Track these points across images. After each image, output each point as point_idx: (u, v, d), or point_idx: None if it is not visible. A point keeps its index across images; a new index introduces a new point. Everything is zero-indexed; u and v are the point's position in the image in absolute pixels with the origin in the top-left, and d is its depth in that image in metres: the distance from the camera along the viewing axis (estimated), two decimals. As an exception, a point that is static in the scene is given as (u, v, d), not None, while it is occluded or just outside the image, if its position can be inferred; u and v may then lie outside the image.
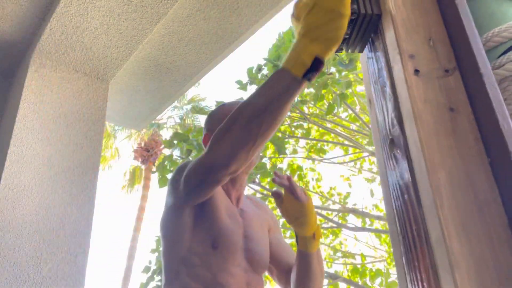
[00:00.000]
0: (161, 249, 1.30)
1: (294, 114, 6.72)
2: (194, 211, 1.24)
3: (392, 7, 0.70)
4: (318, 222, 1.31)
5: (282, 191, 1.29)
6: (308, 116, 6.82)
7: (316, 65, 0.84)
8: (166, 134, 15.36)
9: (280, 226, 7.72)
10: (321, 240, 8.54)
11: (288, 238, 7.93)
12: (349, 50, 0.85)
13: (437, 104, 0.60)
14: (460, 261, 0.49)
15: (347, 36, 0.79)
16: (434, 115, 0.59)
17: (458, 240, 0.51)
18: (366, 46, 0.82)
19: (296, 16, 0.88)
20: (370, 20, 0.75)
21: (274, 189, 1.33)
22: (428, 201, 0.55)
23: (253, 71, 5.90)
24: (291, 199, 1.26)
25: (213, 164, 1.06)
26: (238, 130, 0.99)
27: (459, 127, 0.58)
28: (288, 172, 6.85)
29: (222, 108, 1.43)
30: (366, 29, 0.78)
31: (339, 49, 0.84)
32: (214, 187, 1.14)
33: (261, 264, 1.30)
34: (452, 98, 0.61)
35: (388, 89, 0.68)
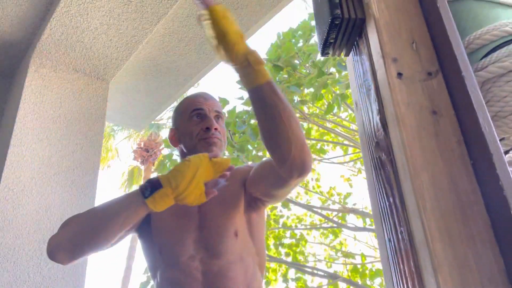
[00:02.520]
0: None
1: (294, 114, 6.71)
2: (142, 237, 1.37)
3: (375, 11, 0.70)
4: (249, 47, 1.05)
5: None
6: (308, 116, 6.82)
7: (154, 182, 1.10)
8: (165, 134, 15.36)
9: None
10: (321, 240, 8.56)
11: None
12: (336, 54, 0.85)
13: (420, 107, 0.60)
14: (443, 264, 0.50)
15: (332, 41, 0.80)
16: (417, 118, 0.60)
17: (441, 243, 0.51)
18: (352, 49, 0.83)
19: None
20: (354, 24, 0.76)
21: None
22: (412, 203, 0.55)
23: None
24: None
25: (47, 250, 1.18)
26: (72, 228, 1.18)
27: (442, 129, 0.59)
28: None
29: (183, 101, 1.46)
30: (350, 33, 0.78)
31: (326, 53, 0.85)
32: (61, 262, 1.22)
33: (221, 249, 1.24)
34: (435, 101, 0.61)
35: (372, 92, 0.68)
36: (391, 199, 0.61)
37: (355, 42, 0.80)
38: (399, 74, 0.63)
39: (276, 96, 1.05)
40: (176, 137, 1.42)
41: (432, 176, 0.55)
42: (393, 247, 0.60)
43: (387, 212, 0.62)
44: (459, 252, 0.51)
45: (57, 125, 2.39)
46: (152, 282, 6.57)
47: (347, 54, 0.84)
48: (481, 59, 0.67)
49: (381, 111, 0.65)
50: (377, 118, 0.66)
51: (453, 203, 0.54)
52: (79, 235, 1.15)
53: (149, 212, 1.16)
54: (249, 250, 1.29)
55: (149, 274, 6.66)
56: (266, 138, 1.09)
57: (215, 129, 1.34)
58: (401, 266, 0.57)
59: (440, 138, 0.58)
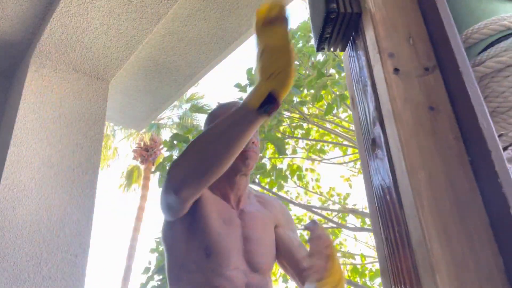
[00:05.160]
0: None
1: (294, 115, 6.73)
2: (185, 221, 1.28)
3: (371, 5, 0.69)
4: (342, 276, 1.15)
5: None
6: (308, 117, 6.82)
7: (272, 99, 0.96)
8: (165, 133, 15.37)
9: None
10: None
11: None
12: (331, 49, 0.84)
13: (417, 103, 0.59)
14: (440, 264, 0.49)
15: (328, 36, 0.79)
16: (414, 114, 0.58)
17: (438, 242, 0.50)
18: (348, 45, 0.81)
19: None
20: (350, 19, 0.74)
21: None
22: (409, 202, 0.54)
23: (253, 72, 5.91)
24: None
25: (167, 190, 1.14)
26: (191, 157, 1.08)
27: (439, 126, 0.57)
28: (288, 173, 6.86)
29: (221, 108, 1.45)
30: (346, 28, 0.77)
31: (321, 49, 0.84)
32: (178, 210, 1.19)
33: (263, 265, 1.29)
34: (432, 97, 0.60)
35: (369, 88, 0.67)
36: (388, 198, 0.60)
37: (351, 37, 0.79)
38: (396, 70, 0.62)
39: None
40: None
41: (429, 173, 0.54)
42: (390, 246, 0.59)
43: (384, 210, 0.61)
44: (457, 251, 0.49)
45: (57, 125, 2.39)
46: (152, 283, 6.55)
47: (343, 50, 0.83)
48: (479, 54, 0.66)
49: (378, 107, 0.64)
50: (373, 115, 0.65)
51: (450, 201, 0.52)
52: (204, 167, 1.06)
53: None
54: (271, 265, 1.35)
55: (149, 274, 6.65)
56: None
57: (253, 142, 1.35)
58: (399, 265, 0.56)
59: (437, 134, 0.57)
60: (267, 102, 0.97)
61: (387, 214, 0.60)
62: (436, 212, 0.52)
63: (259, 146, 1.41)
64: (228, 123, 1.04)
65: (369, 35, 0.68)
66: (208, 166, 1.06)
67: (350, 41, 0.80)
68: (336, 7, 0.73)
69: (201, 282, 1.21)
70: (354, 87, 0.76)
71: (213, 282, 1.20)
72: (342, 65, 4.88)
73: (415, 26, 0.66)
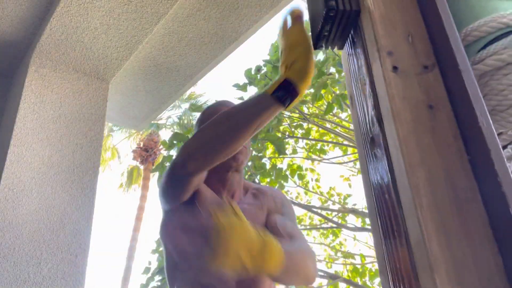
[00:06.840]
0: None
1: (293, 114, 6.73)
2: (183, 213, 1.29)
3: (370, 3, 0.68)
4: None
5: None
6: (308, 116, 6.82)
7: (288, 86, 1.03)
8: (165, 134, 15.37)
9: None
10: (321, 240, 8.55)
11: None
12: (329, 47, 0.84)
13: (416, 101, 0.59)
14: (440, 263, 0.48)
15: (326, 33, 0.79)
16: (413, 112, 0.58)
17: (437, 241, 0.49)
18: (346, 42, 0.81)
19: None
20: (349, 17, 0.74)
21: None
22: (408, 201, 0.53)
23: (252, 72, 5.91)
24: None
25: (175, 162, 1.18)
26: (204, 134, 1.14)
27: (438, 124, 0.57)
28: (288, 173, 6.86)
29: (215, 107, 1.47)
30: (345, 26, 0.76)
31: (319, 46, 0.84)
32: (182, 187, 1.21)
33: None
34: (431, 95, 0.59)
35: (367, 87, 0.67)
36: (386, 196, 0.60)
37: (350, 35, 0.78)
38: (395, 68, 0.61)
39: None
40: None
41: (428, 172, 0.54)
42: (389, 245, 0.59)
43: (383, 209, 0.61)
44: (456, 251, 0.49)
45: (57, 125, 2.39)
46: (152, 283, 6.56)
47: (341, 48, 0.83)
48: (478, 51, 0.66)
49: (376, 106, 0.63)
50: (372, 113, 0.65)
51: (450, 200, 0.52)
52: (212, 145, 1.12)
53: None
54: None
55: (148, 275, 6.65)
56: None
57: None
58: (397, 265, 0.56)
59: (436, 133, 0.56)
60: (282, 89, 1.03)
61: (386, 213, 0.60)
62: (435, 211, 0.51)
63: (249, 142, 1.42)
64: (243, 107, 1.11)
65: (368, 33, 0.67)
66: (217, 144, 1.11)
67: (348, 39, 0.79)
68: (335, 5, 0.73)
69: (192, 281, 1.22)
70: (353, 85, 0.76)
71: (202, 280, 1.21)
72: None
73: (414, 24, 0.66)
